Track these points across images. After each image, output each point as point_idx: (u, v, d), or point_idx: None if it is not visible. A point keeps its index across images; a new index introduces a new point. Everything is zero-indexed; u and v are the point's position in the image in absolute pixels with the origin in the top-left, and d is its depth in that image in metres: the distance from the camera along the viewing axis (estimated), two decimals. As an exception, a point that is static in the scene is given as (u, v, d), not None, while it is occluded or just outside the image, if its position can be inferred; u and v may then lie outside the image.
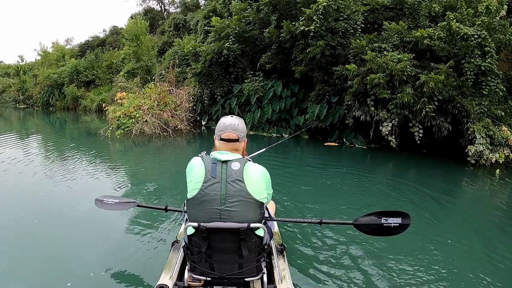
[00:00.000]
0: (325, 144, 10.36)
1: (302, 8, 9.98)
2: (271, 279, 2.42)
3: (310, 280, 3.18)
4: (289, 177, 6.76)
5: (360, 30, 10.03)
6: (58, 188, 6.05)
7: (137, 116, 11.50)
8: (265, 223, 2.32)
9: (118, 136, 11.11)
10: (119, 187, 6.00)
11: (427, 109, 7.86)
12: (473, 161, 7.73)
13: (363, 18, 10.04)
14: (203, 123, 14.36)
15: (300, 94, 11.81)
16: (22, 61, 37.42)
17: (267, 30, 11.68)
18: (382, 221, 2.60)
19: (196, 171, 2.19)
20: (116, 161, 8.36)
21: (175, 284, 2.30)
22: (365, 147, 9.85)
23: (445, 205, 5.43)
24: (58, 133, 15.26)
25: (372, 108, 8.81)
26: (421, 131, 8.27)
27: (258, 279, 2.28)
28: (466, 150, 7.76)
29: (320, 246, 3.81)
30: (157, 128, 11.63)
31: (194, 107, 14.16)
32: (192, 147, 10.76)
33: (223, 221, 2.09)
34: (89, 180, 6.51)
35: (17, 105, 34.51)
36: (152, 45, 20.10)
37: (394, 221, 2.58)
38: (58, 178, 6.62)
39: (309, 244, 3.84)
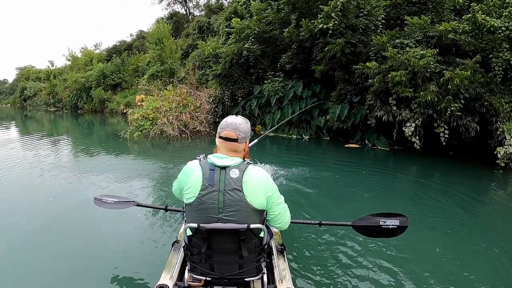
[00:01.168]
0: (346, 145, 9.98)
1: (320, 6, 9.66)
2: (271, 279, 2.38)
3: (310, 280, 3.15)
4: (306, 178, 6.53)
5: (381, 26, 9.62)
6: (62, 188, 6.14)
7: (154, 118, 11.55)
8: (265, 224, 2.24)
9: (136, 138, 11.19)
10: (126, 189, 5.95)
11: (452, 108, 7.37)
12: (502, 164, 7.14)
13: (384, 13, 9.62)
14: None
15: (321, 94, 11.49)
16: (52, 66, 39.24)
17: (286, 30, 11.45)
18: (380, 222, 2.59)
19: (193, 177, 2.10)
20: (130, 162, 8.41)
21: (175, 284, 2.28)
22: (388, 149, 9.37)
23: (471, 213, 5.02)
24: (83, 134, 15.87)
25: (394, 108, 8.38)
26: (446, 131, 7.77)
27: (258, 279, 2.24)
28: (495, 152, 7.20)
29: (320, 246, 3.80)
30: (176, 130, 11.62)
31: (216, 109, 14.13)
32: (211, 148, 10.64)
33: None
34: (96, 181, 6.55)
35: (47, 108, 36.17)
36: (176, 48, 20.28)
37: (392, 223, 2.57)
38: (66, 178, 6.76)
39: (309, 244, 3.83)
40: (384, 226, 2.58)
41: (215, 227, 2.02)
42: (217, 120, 14.26)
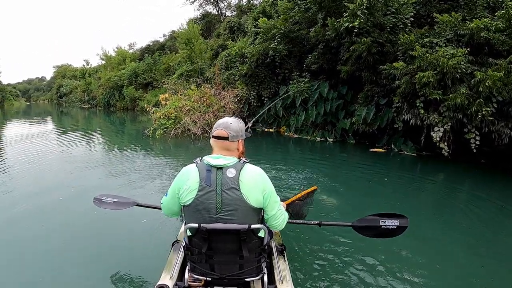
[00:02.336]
0: (371, 150, 9.53)
1: (346, 3, 9.26)
2: (271, 279, 2.39)
3: (310, 281, 3.18)
4: (324, 182, 6.38)
5: (410, 24, 9.09)
6: (70, 186, 6.19)
7: (177, 117, 11.61)
8: (265, 224, 2.27)
9: (157, 137, 11.30)
10: (133, 188, 5.96)
11: (483, 112, 6.81)
12: (539, 174, 6.53)
13: (414, 11, 9.09)
14: (249, 125, 14.05)
15: (348, 95, 11.07)
16: (88, 64, 41.11)
17: (313, 29, 11.14)
18: (380, 223, 2.59)
19: (190, 178, 2.12)
20: (146, 160, 8.49)
21: (176, 284, 2.29)
22: (415, 154, 8.81)
23: (503, 228, 4.55)
24: (110, 131, 16.69)
25: (422, 111, 7.88)
26: (477, 137, 7.20)
27: (259, 279, 2.25)
28: (530, 161, 6.59)
29: (321, 246, 3.82)
30: (198, 129, 11.61)
31: (242, 109, 14.04)
32: None
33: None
34: (105, 179, 6.66)
35: (82, 105, 37.88)
36: (205, 49, 20.40)
37: (392, 223, 2.57)
38: (78, 175, 6.92)
39: (309, 244, 3.86)
40: (383, 227, 2.58)
41: (216, 227, 2.03)
42: (245, 120, 14.21)
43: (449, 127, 7.51)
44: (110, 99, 30.84)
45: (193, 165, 2.16)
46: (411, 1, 9.14)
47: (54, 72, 62.42)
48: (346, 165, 8.38)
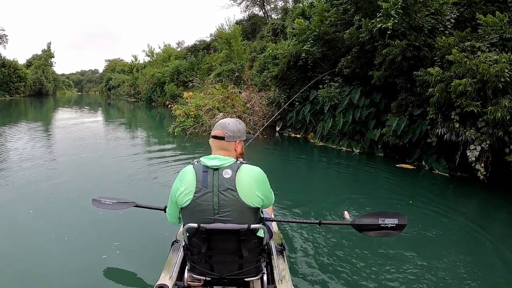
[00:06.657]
0: (398, 165, 8.53)
1: (380, 3, 8.36)
2: (270, 279, 2.41)
3: (310, 280, 3.22)
4: (338, 196, 6.14)
5: (450, 27, 8.02)
6: (68, 185, 6.24)
7: (197, 116, 11.38)
8: (264, 223, 2.30)
9: (176, 134, 11.23)
10: (132, 184, 5.96)
11: (527, 130, 5.73)
12: None
13: (457, 13, 8.01)
14: (277, 129, 13.54)
15: (381, 104, 10.10)
16: (136, 60, 43.11)
17: (347, 32, 10.33)
18: (379, 221, 2.62)
19: (187, 180, 2.15)
20: (155, 157, 8.39)
21: (175, 284, 2.31)
22: (447, 174, 7.68)
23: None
24: (144, 124, 17.26)
25: (457, 125, 6.84)
26: (519, 160, 6.09)
27: (258, 279, 2.27)
28: None
29: (320, 246, 3.85)
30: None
31: (273, 112, 13.54)
32: (255, 151, 10.33)
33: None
34: (105, 179, 6.75)
35: (128, 98, 39.90)
36: (244, 50, 20.21)
37: (391, 221, 2.60)
38: (82, 172, 7.12)
39: (309, 244, 3.89)
40: (383, 225, 2.60)
41: (215, 227, 2.05)
42: (273, 123, 13.71)
43: (487, 145, 6.44)
44: (152, 94, 32.10)
45: (190, 166, 2.18)
46: (452, 0, 8.07)
47: (106, 65, 66.24)
48: (368, 180, 7.60)
